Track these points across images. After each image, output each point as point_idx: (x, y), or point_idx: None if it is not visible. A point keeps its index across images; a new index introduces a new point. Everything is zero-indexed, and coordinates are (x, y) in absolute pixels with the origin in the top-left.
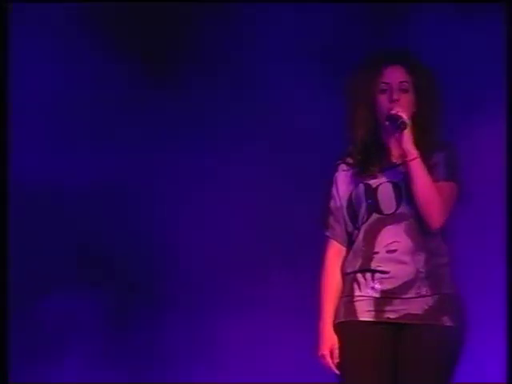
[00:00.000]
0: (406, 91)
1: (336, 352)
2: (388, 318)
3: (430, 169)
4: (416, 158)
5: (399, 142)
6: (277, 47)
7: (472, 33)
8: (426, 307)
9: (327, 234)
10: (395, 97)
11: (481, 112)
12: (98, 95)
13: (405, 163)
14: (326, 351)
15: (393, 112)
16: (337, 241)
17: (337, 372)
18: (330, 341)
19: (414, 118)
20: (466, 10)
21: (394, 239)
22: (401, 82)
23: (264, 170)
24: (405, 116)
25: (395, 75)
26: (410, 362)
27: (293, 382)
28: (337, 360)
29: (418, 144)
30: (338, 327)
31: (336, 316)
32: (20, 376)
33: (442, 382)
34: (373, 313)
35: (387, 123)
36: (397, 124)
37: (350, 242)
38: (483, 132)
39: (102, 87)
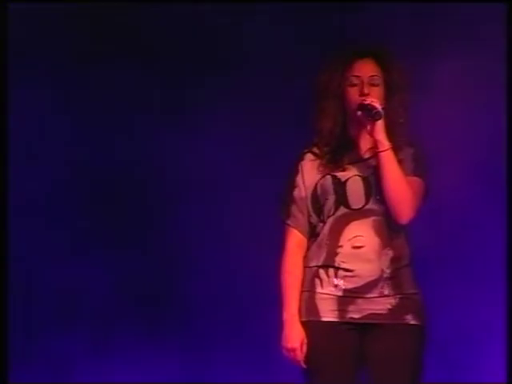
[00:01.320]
0: (376, 85)
1: (305, 346)
2: (352, 317)
3: (399, 163)
4: (388, 149)
5: (371, 132)
6: None
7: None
8: (390, 307)
9: (288, 222)
10: (366, 91)
11: (481, 111)
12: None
13: (376, 155)
14: (296, 344)
15: (367, 102)
16: (299, 230)
17: (304, 367)
18: (299, 334)
19: (384, 112)
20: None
21: (359, 233)
22: (371, 75)
23: None
24: (379, 106)
25: (366, 69)
26: (378, 363)
27: None
28: (305, 354)
29: (388, 139)
30: (302, 326)
31: (298, 313)
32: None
33: (413, 378)
34: (336, 312)
35: (359, 113)
36: (371, 113)
37: (313, 234)
38: (483, 131)
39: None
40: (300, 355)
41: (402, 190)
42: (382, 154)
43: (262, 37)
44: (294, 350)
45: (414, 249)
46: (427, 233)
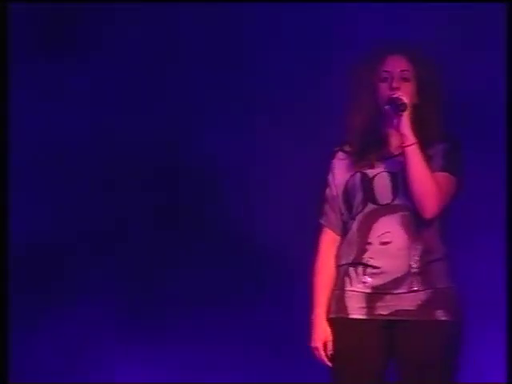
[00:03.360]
0: (406, 80)
1: (329, 344)
2: (380, 314)
3: (428, 159)
4: (413, 143)
5: (397, 126)
6: None
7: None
8: (419, 302)
9: (321, 221)
10: (395, 85)
11: (481, 110)
12: None
13: (402, 149)
14: (319, 344)
15: (394, 95)
16: (331, 229)
17: (329, 365)
18: (323, 333)
19: (415, 108)
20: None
21: (387, 230)
22: (402, 70)
23: None
24: (405, 99)
25: (396, 64)
26: (407, 361)
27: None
28: (330, 352)
29: (418, 135)
30: (330, 323)
31: (328, 311)
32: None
33: (446, 377)
34: (364, 309)
35: (387, 107)
36: (397, 106)
37: (344, 232)
38: (483, 131)
39: None
40: (323, 354)
41: (426, 184)
42: (407, 148)
43: None
44: (316, 349)
45: None
46: None
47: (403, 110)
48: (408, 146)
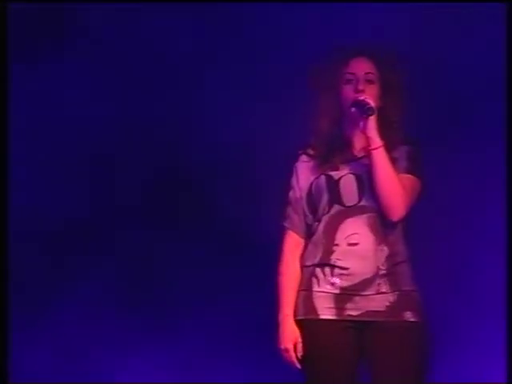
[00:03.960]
0: (371, 82)
1: (299, 346)
2: (350, 315)
3: (393, 162)
4: (380, 146)
5: (364, 129)
6: None
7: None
8: (388, 304)
9: (285, 224)
10: (360, 87)
11: (481, 110)
12: None
13: (368, 152)
14: (289, 345)
15: (360, 98)
16: (295, 231)
17: (299, 367)
18: (292, 334)
19: (379, 110)
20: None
21: (354, 231)
22: (366, 73)
23: None
24: (372, 103)
25: (361, 66)
26: (378, 361)
27: None
28: (300, 354)
29: (382, 137)
30: (298, 324)
31: (295, 312)
32: None
33: (416, 378)
34: (333, 310)
35: (353, 109)
36: (364, 109)
37: (309, 234)
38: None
39: None
40: (294, 356)
41: (393, 187)
42: (373, 151)
43: None
44: (287, 350)
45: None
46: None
47: (371, 114)
48: (375, 149)
